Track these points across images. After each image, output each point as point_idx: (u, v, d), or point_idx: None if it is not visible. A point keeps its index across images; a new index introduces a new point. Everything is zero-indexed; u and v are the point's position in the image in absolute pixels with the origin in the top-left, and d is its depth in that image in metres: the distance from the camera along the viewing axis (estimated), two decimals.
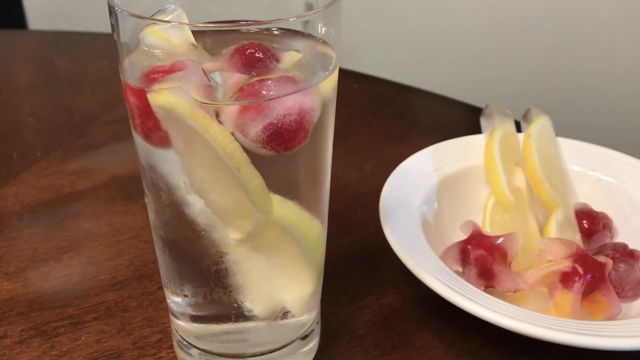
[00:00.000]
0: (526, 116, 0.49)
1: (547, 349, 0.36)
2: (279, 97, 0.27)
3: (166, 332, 0.38)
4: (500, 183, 0.43)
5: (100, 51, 0.78)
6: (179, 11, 0.30)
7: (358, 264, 0.45)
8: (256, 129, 0.27)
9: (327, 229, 0.47)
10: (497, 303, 0.35)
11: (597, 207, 0.44)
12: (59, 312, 0.40)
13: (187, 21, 0.30)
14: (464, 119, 0.65)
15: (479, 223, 0.43)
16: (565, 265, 0.36)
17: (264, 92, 0.27)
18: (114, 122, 0.63)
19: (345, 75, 0.74)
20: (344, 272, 0.44)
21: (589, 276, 0.36)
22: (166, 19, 0.30)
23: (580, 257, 0.37)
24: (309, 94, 0.28)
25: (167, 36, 0.30)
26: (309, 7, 0.32)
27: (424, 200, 0.43)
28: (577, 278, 0.36)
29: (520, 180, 0.44)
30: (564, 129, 0.55)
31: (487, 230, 0.43)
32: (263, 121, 0.27)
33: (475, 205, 0.44)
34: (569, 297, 0.36)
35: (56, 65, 0.76)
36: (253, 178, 0.28)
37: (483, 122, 0.49)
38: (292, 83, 0.27)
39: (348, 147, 0.59)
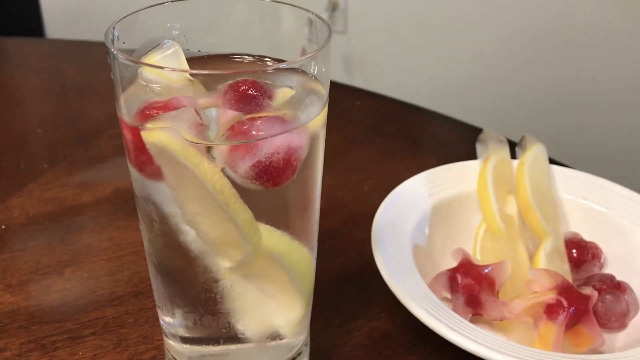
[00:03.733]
0: (521, 143, 0.49)
1: None
2: (268, 137, 0.28)
3: (160, 349, 0.40)
4: (492, 210, 0.44)
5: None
6: (176, 47, 0.31)
7: (350, 285, 0.46)
8: (245, 166, 0.28)
9: (322, 249, 0.48)
10: (480, 334, 0.35)
11: (587, 236, 0.45)
12: (58, 326, 0.41)
13: (183, 56, 0.32)
14: (465, 140, 0.66)
15: (471, 249, 0.44)
16: (550, 297, 0.37)
17: (253, 132, 0.28)
18: (120, 136, 0.64)
19: (349, 92, 0.76)
20: (335, 293, 0.45)
21: (572, 309, 0.36)
22: (163, 55, 0.31)
23: (565, 290, 0.37)
24: (297, 133, 0.29)
25: (164, 72, 0.31)
26: (310, 23, 0.32)
27: (416, 226, 0.44)
28: (561, 310, 0.37)
29: (512, 208, 0.45)
30: (567, 149, 0.56)
31: (477, 257, 0.43)
32: (252, 159, 0.28)
33: (468, 231, 0.45)
34: (552, 329, 0.37)
35: (65, 75, 0.77)
36: (242, 212, 0.29)
37: (478, 148, 0.50)
38: (281, 123, 0.28)
39: (348, 166, 0.60)
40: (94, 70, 0.79)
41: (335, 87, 0.83)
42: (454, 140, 0.65)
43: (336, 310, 0.43)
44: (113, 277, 0.46)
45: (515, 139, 0.53)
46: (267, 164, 0.28)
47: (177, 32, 0.32)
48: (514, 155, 0.50)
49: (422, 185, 0.47)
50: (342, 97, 0.75)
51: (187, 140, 0.27)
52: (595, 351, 0.38)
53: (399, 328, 0.42)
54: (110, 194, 0.55)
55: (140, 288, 0.45)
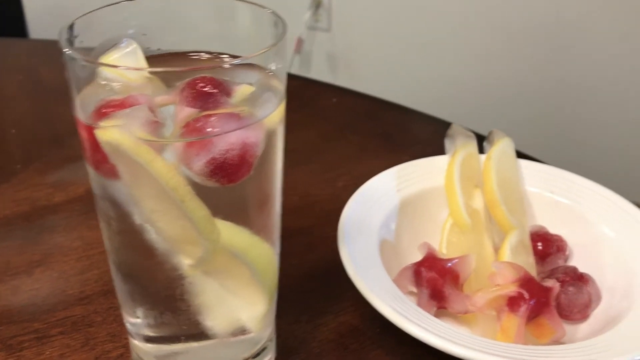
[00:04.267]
0: (489, 138, 0.50)
1: None
2: (222, 133, 0.28)
3: (127, 347, 0.40)
4: (458, 205, 0.44)
5: None
6: (134, 45, 0.32)
7: (320, 281, 0.46)
8: (200, 163, 0.28)
9: (293, 245, 0.48)
10: (442, 327, 0.36)
11: (553, 229, 0.45)
12: (26, 326, 0.41)
13: (142, 55, 0.32)
14: (439, 136, 0.66)
15: (438, 244, 0.45)
16: (512, 289, 0.38)
17: (207, 129, 0.28)
18: None
19: (326, 90, 0.76)
20: (305, 289, 0.45)
21: (532, 301, 0.37)
22: (122, 53, 0.31)
23: (526, 282, 0.38)
24: (253, 129, 0.29)
25: (122, 70, 0.31)
26: (274, 22, 0.33)
27: (384, 221, 0.45)
28: (522, 302, 0.37)
29: (478, 202, 0.45)
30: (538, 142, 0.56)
31: (443, 251, 0.44)
32: (206, 156, 0.28)
33: (435, 226, 0.46)
34: (514, 321, 0.37)
35: (42, 75, 0.77)
36: (197, 209, 0.29)
37: (447, 143, 0.50)
38: (236, 119, 0.29)
39: (323, 163, 0.61)
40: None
41: (312, 84, 0.84)
42: (428, 136, 0.66)
43: (306, 305, 0.44)
44: (83, 276, 0.46)
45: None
46: (221, 160, 0.28)
47: (134, 31, 0.32)
48: (483, 150, 0.50)
49: (390, 181, 0.47)
50: (319, 94, 0.75)
51: (140, 138, 0.27)
52: (557, 342, 0.38)
53: (366, 322, 0.42)
54: (82, 193, 0.55)
55: (110, 287, 0.45)
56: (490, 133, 0.50)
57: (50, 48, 0.90)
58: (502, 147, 0.48)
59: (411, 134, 0.67)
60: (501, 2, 1.59)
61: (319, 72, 1.93)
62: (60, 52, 0.29)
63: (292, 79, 0.89)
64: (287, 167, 0.62)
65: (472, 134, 0.50)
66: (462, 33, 1.66)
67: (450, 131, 0.51)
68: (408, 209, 0.46)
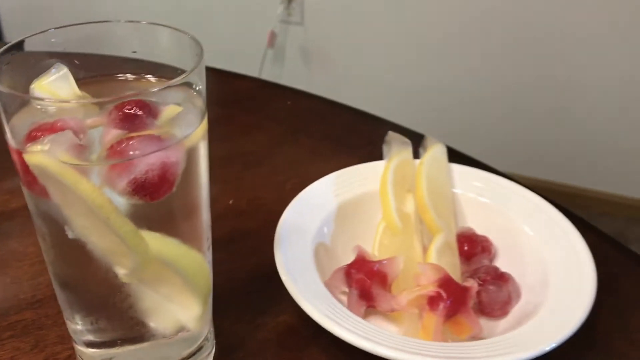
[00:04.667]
0: (423, 144, 0.52)
1: None
2: (141, 155, 0.30)
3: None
4: (390, 209, 0.47)
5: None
6: (64, 70, 0.34)
7: (263, 282, 0.48)
8: (122, 183, 0.30)
9: (239, 248, 0.51)
10: (367, 328, 0.39)
11: (480, 230, 0.48)
12: None
13: (72, 78, 0.34)
14: None
15: (371, 246, 0.47)
16: (431, 289, 0.40)
17: (128, 152, 0.30)
18: None
19: (281, 92, 0.78)
20: (248, 290, 0.48)
21: (450, 301, 0.40)
22: (53, 78, 0.34)
23: (445, 283, 0.41)
24: (173, 149, 0.32)
25: (55, 90, 0.33)
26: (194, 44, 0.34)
27: (320, 225, 0.47)
28: (440, 302, 0.40)
29: (410, 206, 0.48)
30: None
31: (375, 253, 0.47)
32: (128, 177, 0.30)
33: (370, 229, 0.48)
34: (433, 319, 0.40)
35: None
36: (123, 225, 0.31)
37: (384, 149, 0.53)
38: (156, 141, 0.31)
39: (272, 166, 0.63)
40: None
41: (268, 87, 0.86)
42: (379, 139, 0.68)
43: (247, 306, 0.46)
44: (35, 280, 0.48)
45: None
46: (142, 180, 0.30)
47: (63, 55, 0.34)
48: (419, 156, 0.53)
49: (329, 186, 0.50)
50: (274, 97, 0.77)
51: (64, 162, 0.29)
52: (476, 338, 0.41)
53: (302, 322, 0.45)
54: None
55: None
56: (424, 139, 0.53)
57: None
58: (434, 153, 0.50)
59: (361, 136, 0.69)
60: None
61: (292, 65, 1.95)
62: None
63: (249, 80, 0.91)
64: (238, 170, 0.64)
65: (408, 141, 0.53)
66: (436, 26, 1.69)
67: (387, 138, 0.53)
68: (345, 213, 0.49)
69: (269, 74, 1.98)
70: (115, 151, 0.30)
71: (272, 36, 1.92)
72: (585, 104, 1.64)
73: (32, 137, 0.31)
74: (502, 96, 1.71)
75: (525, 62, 1.64)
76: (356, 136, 0.70)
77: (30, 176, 0.31)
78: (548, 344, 0.37)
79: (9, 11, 2.14)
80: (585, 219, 0.53)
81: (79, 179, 0.30)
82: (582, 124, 1.67)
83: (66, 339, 0.43)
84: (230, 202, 0.57)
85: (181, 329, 0.37)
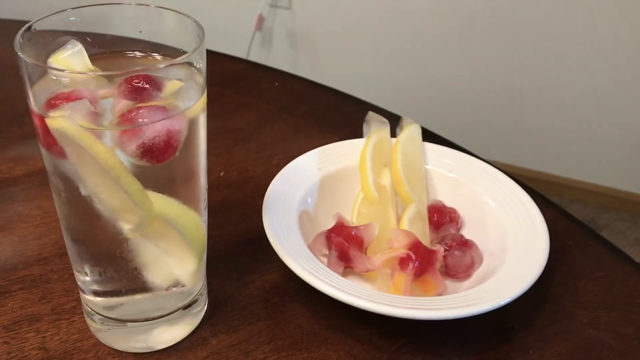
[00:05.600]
0: (400, 124, 0.57)
1: (386, 318, 0.46)
2: (150, 123, 0.34)
3: (79, 300, 0.46)
4: (368, 181, 0.52)
5: None
6: (79, 46, 0.38)
7: (251, 246, 0.53)
8: (132, 147, 0.35)
9: (229, 216, 0.55)
10: (345, 284, 0.43)
11: (449, 202, 0.53)
12: None
13: (85, 54, 0.38)
14: None
15: (349, 215, 0.52)
16: (402, 252, 0.45)
17: (138, 119, 0.34)
18: None
19: (269, 73, 0.83)
20: (237, 253, 0.52)
21: (417, 262, 0.45)
22: (69, 53, 0.38)
23: (415, 246, 0.46)
24: (176, 119, 0.36)
25: (70, 64, 0.37)
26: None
27: (304, 195, 0.52)
28: (410, 262, 0.45)
29: (386, 179, 0.53)
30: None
31: (354, 221, 0.51)
32: (137, 141, 0.35)
33: (349, 199, 0.53)
34: (403, 278, 0.45)
35: (2, 56, 0.81)
36: (132, 183, 0.35)
37: (364, 128, 0.57)
38: (162, 111, 0.35)
39: (260, 142, 0.67)
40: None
41: (257, 68, 0.90)
42: (359, 120, 0.73)
43: (236, 266, 0.51)
44: (41, 240, 0.52)
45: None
46: (150, 145, 0.35)
47: (77, 32, 0.38)
48: (396, 134, 0.58)
49: (313, 160, 0.55)
50: (263, 78, 0.81)
51: (82, 126, 0.33)
52: (441, 295, 0.46)
53: (287, 281, 0.50)
54: (41, 167, 0.60)
55: (65, 250, 0.51)
56: (400, 119, 0.57)
57: (8, 28, 0.94)
58: (409, 133, 0.55)
59: (343, 116, 0.74)
60: None
61: (279, 49, 1.98)
62: (15, 34, 0.35)
63: (239, 62, 0.96)
64: (228, 145, 0.69)
65: (386, 121, 0.58)
66: (423, 13, 1.73)
67: (367, 117, 0.58)
68: (327, 185, 0.53)
69: (256, 57, 2.01)
70: (127, 118, 0.34)
71: (260, 20, 1.95)
72: (562, 94, 1.70)
73: (52, 104, 0.35)
74: (480, 83, 1.76)
75: (506, 50, 1.70)
76: (338, 116, 0.74)
77: (50, 138, 0.35)
78: (503, 299, 0.42)
79: None
80: (555, 202, 0.59)
81: (95, 141, 0.34)
82: (556, 114, 1.73)
83: (70, 292, 0.47)
84: (222, 174, 0.62)
85: (176, 282, 0.42)
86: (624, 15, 1.55)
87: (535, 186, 0.59)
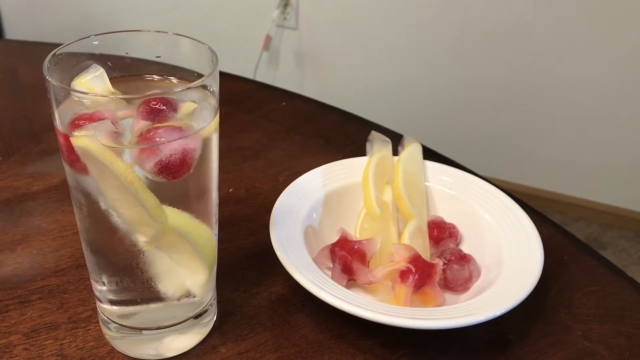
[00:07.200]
0: (401, 143, 0.60)
1: (388, 329, 0.48)
2: (167, 142, 0.37)
3: (95, 310, 0.49)
4: (370, 197, 0.54)
5: None
6: (100, 70, 0.41)
7: (259, 259, 0.55)
8: (150, 164, 0.37)
9: (238, 230, 0.57)
10: (348, 295, 0.46)
11: (449, 219, 0.55)
12: (10, 292, 0.50)
13: (107, 77, 0.41)
14: None
15: (353, 229, 0.54)
16: (403, 265, 0.48)
17: (156, 139, 0.37)
18: None
19: (276, 93, 0.85)
20: (245, 266, 0.55)
21: (417, 274, 0.47)
22: (91, 77, 0.40)
23: (414, 260, 0.48)
24: (191, 138, 0.38)
25: (92, 87, 0.40)
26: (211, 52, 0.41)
27: (310, 210, 0.54)
28: (410, 275, 0.47)
29: (388, 196, 0.55)
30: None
31: (357, 235, 0.54)
32: (155, 159, 0.37)
33: (352, 215, 0.55)
34: (404, 289, 0.47)
35: (20, 74, 0.85)
36: (149, 198, 0.38)
37: (367, 146, 0.60)
38: (178, 131, 0.38)
39: (267, 160, 0.70)
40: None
41: (265, 89, 0.93)
42: (362, 138, 0.75)
43: (244, 279, 0.53)
44: (58, 252, 0.54)
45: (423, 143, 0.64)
46: (166, 162, 0.37)
47: (99, 54, 0.41)
48: (397, 153, 0.60)
49: (318, 177, 0.57)
50: (270, 98, 0.84)
51: (104, 145, 0.36)
52: (440, 306, 0.49)
53: (292, 292, 0.52)
54: (57, 183, 0.63)
55: (81, 262, 0.54)
56: (402, 138, 0.60)
57: (27, 48, 0.98)
58: (410, 151, 0.58)
59: (347, 135, 0.76)
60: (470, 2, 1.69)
61: (286, 68, 2.02)
62: (42, 53, 0.37)
63: (248, 82, 0.99)
64: (237, 163, 0.72)
65: (388, 139, 0.60)
66: (425, 32, 1.77)
67: (370, 136, 0.60)
68: (331, 201, 0.56)
69: (263, 75, 2.05)
70: (145, 138, 0.37)
71: (267, 40, 1.99)
72: (566, 114, 1.73)
73: (75, 124, 0.37)
74: (480, 104, 1.79)
75: (511, 68, 1.73)
76: (343, 134, 0.77)
77: (74, 156, 0.37)
78: (499, 310, 0.44)
79: (9, 6, 2.20)
80: (557, 220, 0.61)
81: (115, 159, 0.36)
82: (561, 132, 1.76)
83: (86, 301, 0.50)
84: (230, 190, 0.64)
85: (188, 293, 0.44)
86: (628, 47, 1.58)
87: (539, 204, 0.61)
